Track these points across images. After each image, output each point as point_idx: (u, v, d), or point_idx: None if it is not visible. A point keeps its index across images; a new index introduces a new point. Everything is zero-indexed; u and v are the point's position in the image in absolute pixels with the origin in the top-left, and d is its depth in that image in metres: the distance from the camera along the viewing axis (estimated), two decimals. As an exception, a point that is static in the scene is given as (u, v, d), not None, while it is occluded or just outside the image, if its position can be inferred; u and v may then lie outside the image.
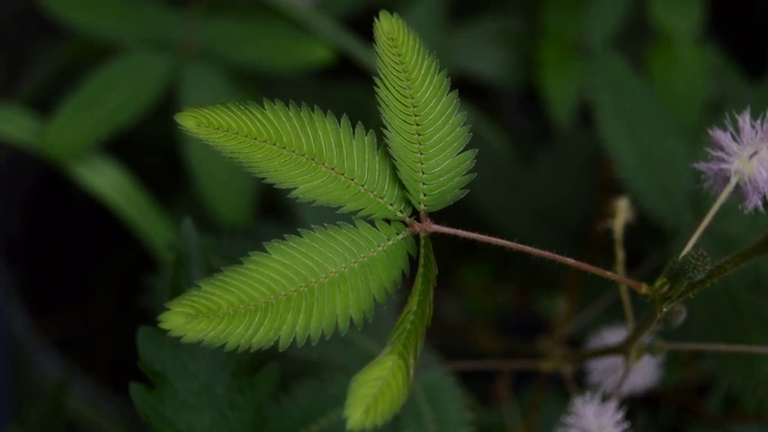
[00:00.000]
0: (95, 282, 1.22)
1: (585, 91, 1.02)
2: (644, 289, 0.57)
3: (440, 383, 0.73)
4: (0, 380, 1.02)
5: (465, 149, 0.54)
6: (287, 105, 0.53)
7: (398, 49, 0.53)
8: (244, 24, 1.02)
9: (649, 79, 1.02)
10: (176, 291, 0.64)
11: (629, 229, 0.71)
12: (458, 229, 0.54)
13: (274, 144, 0.51)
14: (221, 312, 0.49)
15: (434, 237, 0.54)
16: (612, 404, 0.66)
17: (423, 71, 0.53)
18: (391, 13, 0.54)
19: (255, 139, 0.51)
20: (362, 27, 0.75)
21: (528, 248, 0.54)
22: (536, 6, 1.10)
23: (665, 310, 0.57)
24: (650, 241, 0.88)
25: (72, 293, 1.22)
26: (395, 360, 0.48)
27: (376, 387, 0.47)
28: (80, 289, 1.21)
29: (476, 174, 0.53)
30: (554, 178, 1.07)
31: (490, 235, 0.54)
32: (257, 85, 1.05)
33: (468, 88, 1.08)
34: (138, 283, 0.84)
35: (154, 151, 1.15)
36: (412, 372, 0.48)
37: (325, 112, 0.53)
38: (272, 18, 1.02)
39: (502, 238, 0.54)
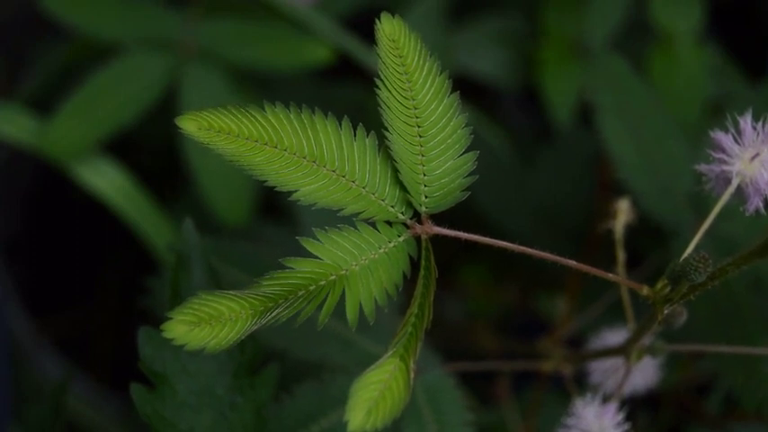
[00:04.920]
0: (96, 282, 1.22)
1: (586, 91, 1.02)
2: (645, 291, 0.57)
3: (440, 384, 0.73)
4: (0, 380, 1.02)
5: (466, 151, 0.54)
6: (288, 106, 0.53)
7: (400, 51, 0.53)
8: (244, 24, 1.02)
9: (649, 79, 1.02)
10: (176, 292, 0.64)
11: (629, 230, 0.71)
12: (458, 229, 0.54)
13: (275, 147, 0.51)
14: (223, 319, 0.49)
15: (435, 237, 0.54)
16: (613, 405, 0.66)
17: (424, 73, 0.53)
18: (392, 14, 0.54)
19: (256, 141, 0.51)
20: (362, 27, 0.75)
21: (529, 250, 0.55)
22: (536, 7, 1.10)
23: (666, 311, 0.57)
24: (650, 241, 0.88)
25: (72, 293, 1.22)
26: (396, 363, 0.48)
27: (377, 390, 0.47)
28: (80, 289, 1.21)
29: (477, 175, 0.53)
30: (554, 178, 1.07)
31: (490, 235, 0.54)
32: (257, 86, 1.05)
33: (468, 88, 1.08)
34: (139, 283, 0.84)
35: (154, 151, 1.15)
36: (413, 375, 0.48)
37: (325, 114, 0.53)
38: (272, 18, 1.02)
39: (501, 237, 0.54)
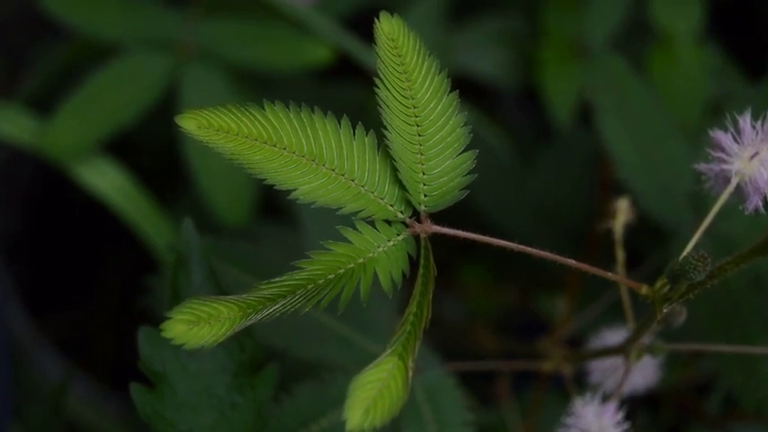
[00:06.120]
0: (95, 282, 1.22)
1: (586, 91, 1.02)
2: (644, 290, 0.57)
3: (440, 384, 0.73)
4: (0, 380, 1.02)
5: (465, 150, 0.54)
6: (287, 106, 0.53)
7: (399, 50, 0.53)
8: (244, 25, 1.02)
9: (649, 79, 1.02)
10: (176, 291, 0.64)
11: (629, 229, 0.71)
12: (458, 228, 0.54)
13: (274, 145, 0.51)
14: (222, 318, 0.49)
15: (434, 237, 0.54)
16: (613, 405, 0.66)
17: (423, 72, 0.53)
18: (392, 14, 0.54)
19: (256, 140, 0.51)
20: (362, 27, 0.75)
21: (529, 249, 0.55)
22: (536, 7, 1.10)
23: (665, 310, 0.57)
24: (650, 241, 0.88)
25: (72, 293, 1.22)
26: (394, 362, 0.49)
27: (375, 389, 0.47)
28: (80, 289, 1.21)
29: (476, 174, 0.53)
30: (554, 178, 1.07)
31: (490, 235, 0.54)
32: (257, 86, 1.05)
33: (468, 88, 1.08)
34: (139, 283, 0.84)
35: (154, 151, 1.15)
36: (411, 373, 0.48)
37: (325, 113, 0.53)
38: (272, 18, 1.02)
39: (501, 237, 0.54)
